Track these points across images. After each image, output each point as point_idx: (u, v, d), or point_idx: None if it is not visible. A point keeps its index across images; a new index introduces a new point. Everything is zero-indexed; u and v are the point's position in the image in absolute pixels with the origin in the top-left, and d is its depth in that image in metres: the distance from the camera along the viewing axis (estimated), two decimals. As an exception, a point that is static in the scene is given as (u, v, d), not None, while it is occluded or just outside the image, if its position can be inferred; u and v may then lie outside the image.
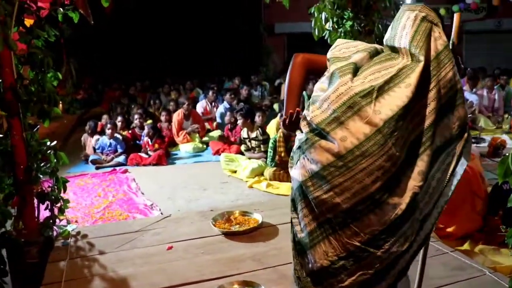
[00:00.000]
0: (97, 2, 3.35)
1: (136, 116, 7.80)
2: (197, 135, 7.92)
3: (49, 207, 3.28)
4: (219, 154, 6.74)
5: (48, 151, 3.24)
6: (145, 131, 7.20)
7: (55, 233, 3.37)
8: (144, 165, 6.72)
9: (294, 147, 1.86)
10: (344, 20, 4.33)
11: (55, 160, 3.27)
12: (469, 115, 7.68)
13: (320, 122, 1.68)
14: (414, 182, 1.65)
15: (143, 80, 12.17)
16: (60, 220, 3.49)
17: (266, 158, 6.02)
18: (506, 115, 8.41)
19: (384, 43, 1.84)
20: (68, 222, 3.64)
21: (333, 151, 1.64)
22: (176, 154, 7.49)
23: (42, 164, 3.22)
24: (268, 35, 15.87)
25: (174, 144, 7.83)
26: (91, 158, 6.88)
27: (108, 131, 7.01)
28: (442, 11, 13.61)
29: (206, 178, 5.92)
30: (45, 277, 2.84)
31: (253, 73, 12.50)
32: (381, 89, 1.64)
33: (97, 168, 6.61)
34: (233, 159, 6.28)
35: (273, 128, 6.99)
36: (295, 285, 1.96)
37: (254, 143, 6.49)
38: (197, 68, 13.65)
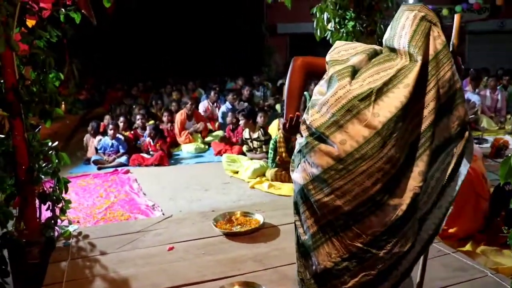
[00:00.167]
0: (99, 2, 3.36)
1: (138, 117, 7.80)
2: (199, 135, 7.92)
3: (50, 208, 3.29)
4: (221, 155, 6.74)
5: (50, 152, 3.25)
6: (147, 131, 7.21)
7: (56, 234, 3.37)
8: (146, 165, 6.72)
9: (295, 151, 1.88)
10: (346, 21, 4.32)
11: (56, 161, 3.28)
12: (471, 116, 7.70)
13: (319, 126, 1.70)
14: (414, 182, 1.65)
15: (145, 80, 12.18)
16: (62, 221, 3.50)
17: (268, 158, 6.02)
18: (508, 116, 8.39)
19: (383, 43, 1.85)
20: (70, 223, 3.64)
21: (333, 155, 1.65)
22: (178, 155, 7.50)
23: (44, 164, 3.23)
24: (270, 36, 15.86)
25: (176, 144, 7.84)
26: (93, 158, 6.89)
27: (110, 132, 7.02)
28: (445, 12, 13.58)
29: (208, 179, 5.92)
30: (46, 278, 2.84)
31: (255, 74, 12.50)
32: (380, 91, 1.65)
33: (99, 169, 6.62)
34: (235, 160, 6.28)
35: (275, 129, 6.99)
36: (298, 287, 1.96)
37: (256, 143, 6.49)
38: (199, 68, 13.66)
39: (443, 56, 1.69)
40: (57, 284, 2.76)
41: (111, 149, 7.01)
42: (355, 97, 1.65)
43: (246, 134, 6.63)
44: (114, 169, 6.57)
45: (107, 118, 8.07)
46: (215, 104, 9.17)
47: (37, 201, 3.17)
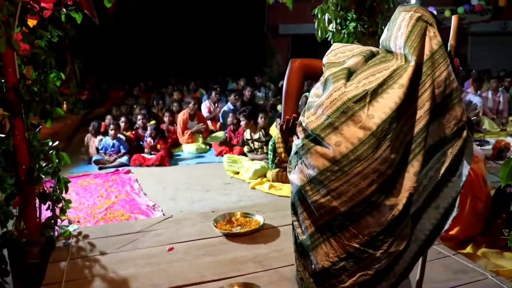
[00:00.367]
0: (101, 3, 3.36)
1: (139, 117, 7.81)
2: (201, 136, 7.92)
3: (50, 208, 3.29)
4: (222, 155, 6.74)
5: (50, 151, 3.25)
6: (148, 132, 7.22)
7: (56, 233, 3.37)
8: (147, 165, 6.73)
9: (292, 152, 1.89)
10: (348, 22, 4.31)
11: (57, 161, 3.28)
12: (473, 117, 7.66)
13: (315, 128, 1.71)
14: (410, 182, 1.66)
15: (146, 80, 12.19)
16: (62, 221, 3.50)
17: (268, 159, 6.01)
18: (510, 118, 8.37)
19: (380, 44, 1.86)
20: (70, 223, 3.64)
21: (328, 156, 1.66)
22: (179, 155, 7.50)
23: (44, 164, 3.23)
24: (272, 36, 15.86)
25: (177, 145, 7.85)
26: (94, 158, 6.90)
27: (111, 132, 7.02)
28: (447, 13, 13.58)
29: (208, 179, 5.92)
30: (45, 277, 2.84)
31: (257, 74, 12.50)
32: (375, 93, 1.66)
33: (100, 169, 6.62)
34: (236, 161, 6.28)
35: (276, 130, 6.99)
36: (297, 287, 1.97)
37: (257, 144, 6.48)
38: (201, 69, 13.66)
39: (439, 56, 1.69)
40: (57, 284, 2.76)
41: (112, 149, 7.01)
42: (349, 99, 1.66)
43: (247, 135, 6.62)
44: (115, 169, 6.58)
45: (108, 118, 8.07)
46: (216, 104, 9.18)
47: (37, 201, 3.17)
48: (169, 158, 7.00)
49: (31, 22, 3.10)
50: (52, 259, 3.07)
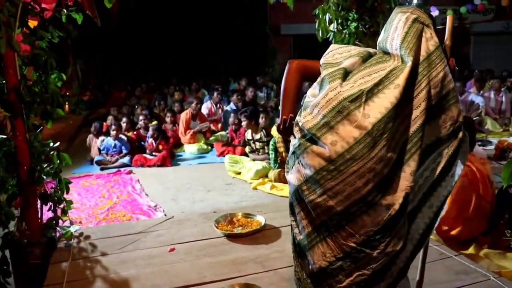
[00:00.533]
0: (102, 3, 3.36)
1: (141, 117, 7.82)
2: (203, 136, 7.92)
3: (52, 208, 3.29)
4: (224, 156, 6.74)
5: (51, 152, 3.25)
6: (150, 132, 7.22)
7: (58, 234, 3.37)
8: (149, 166, 6.73)
9: (289, 153, 1.91)
10: (349, 22, 4.30)
11: (58, 161, 3.28)
12: (475, 118, 7.64)
13: (311, 128, 1.72)
14: (406, 182, 1.67)
15: (148, 81, 12.21)
16: (63, 221, 3.50)
17: (270, 159, 6.01)
18: (513, 118, 8.34)
19: (377, 45, 1.87)
20: (72, 223, 3.65)
21: (324, 156, 1.68)
22: (181, 156, 7.51)
23: (45, 165, 3.23)
24: (274, 36, 15.86)
25: (179, 145, 7.85)
26: (96, 159, 6.91)
27: (113, 132, 7.03)
28: (449, 13, 13.51)
29: (210, 180, 5.92)
30: (47, 278, 2.84)
31: (259, 75, 12.49)
32: (370, 92, 1.67)
33: (101, 169, 6.63)
34: (238, 161, 6.28)
35: (277, 130, 6.98)
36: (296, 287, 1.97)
37: (258, 144, 6.48)
38: (203, 69, 13.67)
39: (435, 57, 1.70)
40: (58, 285, 2.75)
41: (114, 149, 7.02)
42: (345, 99, 1.67)
43: (248, 135, 6.62)
44: (116, 169, 6.59)
45: (110, 118, 8.09)
46: (217, 105, 9.18)
47: (38, 202, 3.17)
48: (171, 158, 7.00)
49: (32, 23, 3.10)
50: (53, 260, 3.07)
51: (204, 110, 8.96)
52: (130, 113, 8.84)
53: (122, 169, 6.57)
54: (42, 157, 3.18)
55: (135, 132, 7.72)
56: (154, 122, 8.14)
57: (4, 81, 2.93)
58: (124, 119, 7.91)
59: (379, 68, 1.74)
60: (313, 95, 1.83)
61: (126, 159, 6.84)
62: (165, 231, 3.55)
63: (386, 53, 1.80)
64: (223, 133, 8.16)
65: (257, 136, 6.47)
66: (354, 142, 1.63)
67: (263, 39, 15.67)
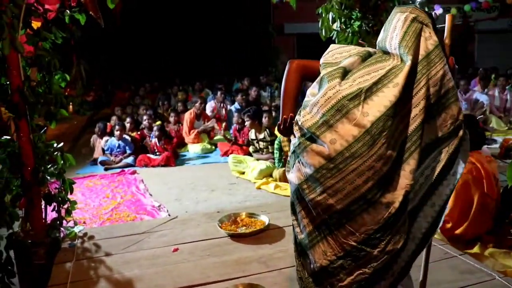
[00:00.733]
0: (105, 4, 3.36)
1: (144, 117, 7.83)
2: (206, 136, 7.93)
3: (56, 209, 3.30)
4: (228, 155, 6.74)
5: (55, 153, 3.26)
6: (154, 132, 7.23)
7: (62, 235, 3.38)
8: (153, 166, 6.75)
9: (290, 152, 1.91)
10: (352, 20, 4.29)
11: (62, 162, 3.29)
12: (480, 116, 7.61)
13: (310, 126, 1.73)
14: (406, 180, 1.67)
15: (152, 81, 12.23)
16: (67, 222, 3.51)
17: (274, 159, 6.01)
18: (518, 116, 8.29)
19: (377, 45, 1.88)
20: (76, 224, 3.66)
21: (324, 154, 1.68)
22: (185, 155, 7.52)
23: (49, 165, 3.24)
24: (277, 36, 15.84)
25: (182, 145, 7.86)
26: (100, 159, 6.93)
27: (117, 133, 7.05)
28: (453, 11, 13.45)
29: (214, 180, 5.92)
30: (51, 279, 2.85)
31: (262, 74, 12.48)
32: (369, 91, 1.68)
33: (106, 169, 6.65)
34: (241, 161, 6.28)
35: (281, 129, 6.96)
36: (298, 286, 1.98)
37: (262, 144, 6.48)
38: (206, 69, 13.68)
39: (434, 56, 1.70)
40: (62, 285, 2.76)
41: (118, 149, 7.03)
42: (344, 97, 1.68)
43: (252, 134, 6.62)
44: (120, 169, 6.61)
45: (113, 118, 8.11)
46: (221, 104, 9.18)
47: (42, 202, 3.18)
48: (175, 158, 7.02)
49: (35, 24, 3.11)
50: (57, 260, 3.08)
51: (209, 109, 8.97)
52: (133, 113, 8.85)
53: (126, 169, 6.59)
54: (46, 158, 3.19)
55: (139, 132, 7.73)
56: (158, 122, 8.16)
57: (8, 82, 2.94)
58: (128, 119, 7.93)
59: (379, 67, 1.75)
60: (312, 94, 1.83)
61: (130, 159, 6.85)
62: (169, 231, 3.55)
63: (385, 52, 1.81)
64: (227, 132, 8.17)
65: (261, 136, 6.47)
66: (353, 140, 1.64)
67: (267, 39, 15.66)
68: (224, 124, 8.63)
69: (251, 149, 6.67)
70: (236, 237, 3.36)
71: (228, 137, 7.82)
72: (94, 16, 3.32)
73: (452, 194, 1.82)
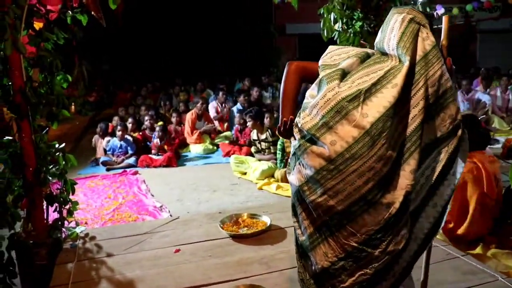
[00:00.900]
0: (107, 5, 3.36)
1: (146, 118, 7.83)
2: (208, 136, 7.93)
3: (57, 209, 3.30)
4: (229, 156, 6.74)
5: (57, 153, 3.26)
6: (156, 133, 7.24)
7: (63, 235, 3.38)
8: (155, 166, 6.74)
9: (290, 154, 1.92)
10: (354, 21, 4.28)
11: (63, 162, 3.29)
12: (482, 116, 7.58)
13: (310, 128, 1.74)
14: (407, 181, 1.67)
15: (153, 81, 12.23)
16: (69, 222, 3.51)
17: (276, 159, 6.01)
18: (520, 116, 8.27)
19: (375, 46, 1.89)
20: (77, 224, 3.66)
21: (324, 155, 1.69)
22: (187, 156, 7.52)
23: (51, 166, 3.24)
24: (279, 36, 15.84)
25: (184, 145, 7.86)
26: (101, 159, 6.93)
27: (119, 133, 7.05)
28: (455, 11, 13.43)
29: (216, 180, 5.92)
30: (52, 279, 2.85)
31: (264, 74, 12.48)
32: (368, 92, 1.69)
33: (107, 170, 6.65)
34: (243, 161, 6.27)
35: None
36: None
37: (264, 144, 6.47)
38: (207, 69, 13.68)
39: (432, 56, 1.71)
40: (63, 286, 2.76)
41: (120, 150, 7.04)
42: (343, 99, 1.69)
43: (254, 135, 6.62)
44: (122, 170, 6.61)
45: (115, 119, 8.12)
46: (223, 104, 9.18)
47: (44, 203, 3.18)
48: (177, 159, 7.01)
49: (37, 25, 3.11)
50: (59, 261, 3.08)
51: (211, 109, 8.97)
52: (135, 114, 8.85)
53: (128, 170, 6.59)
54: (48, 158, 3.19)
55: (140, 133, 7.74)
56: (160, 123, 8.16)
57: (10, 83, 2.94)
58: (130, 120, 7.93)
59: (377, 68, 1.75)
60: (311, 96, 1.84)
61: (132, 160, 6.86)
62: (170, 231, 3.55)
63: (383, 53, 1.82)
64: (228, 133, 8.16)
65: (263, 136, 6.46)
66: (353, 141, 1.64)
67: (268, 39, 15.66)
68: (226, 124, 8.63)
69: (253, 149, 6.67)
70: (237, 238, 3.35)
71: (228, 136, 7.83)
72: (96, 17, 3.32)
73: (453, 194, 1.82)
